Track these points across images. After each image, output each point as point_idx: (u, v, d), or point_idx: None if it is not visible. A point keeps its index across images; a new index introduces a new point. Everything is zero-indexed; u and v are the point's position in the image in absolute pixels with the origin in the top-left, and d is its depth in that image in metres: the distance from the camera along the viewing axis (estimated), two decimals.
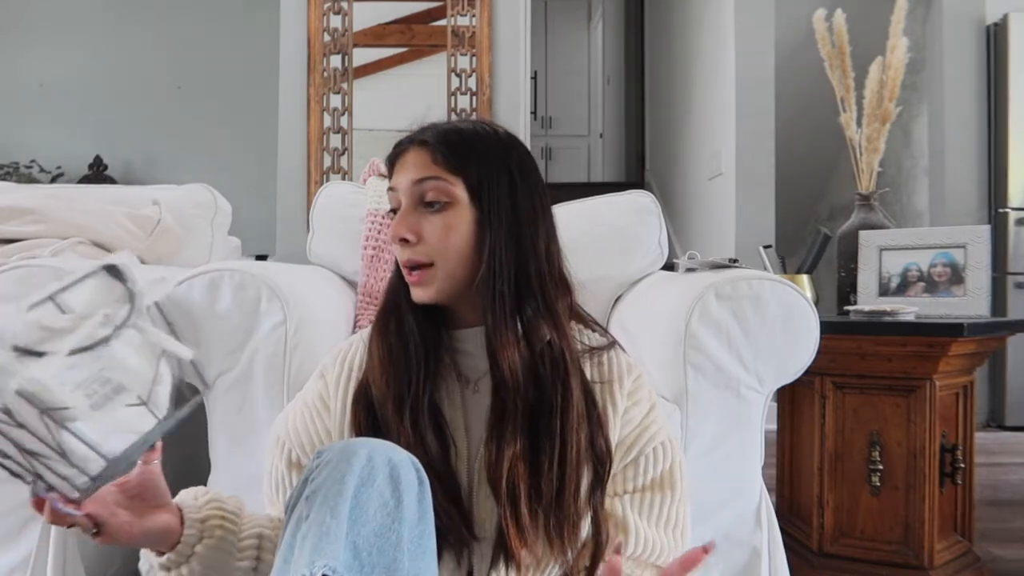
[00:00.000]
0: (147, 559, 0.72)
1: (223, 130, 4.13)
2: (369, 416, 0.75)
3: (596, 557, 0.73)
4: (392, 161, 0.79)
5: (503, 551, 0.70)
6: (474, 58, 2.86)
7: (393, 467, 0.61)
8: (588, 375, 0.79)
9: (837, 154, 3.59)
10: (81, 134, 4.13)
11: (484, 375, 0.78)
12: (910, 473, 1.38)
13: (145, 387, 0.58)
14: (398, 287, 0.80)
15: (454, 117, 2.85)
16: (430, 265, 0.74)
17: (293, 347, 1.06)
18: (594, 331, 0.84)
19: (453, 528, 0.70)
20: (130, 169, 4.18)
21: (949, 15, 3.14)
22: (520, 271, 0.75)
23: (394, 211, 0.77)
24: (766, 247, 1.89)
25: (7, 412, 0.52)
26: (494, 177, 0.75)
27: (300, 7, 2.86)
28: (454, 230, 0.73)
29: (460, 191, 0.74)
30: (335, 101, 2.86)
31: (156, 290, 0.61)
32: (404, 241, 0.74)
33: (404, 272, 0.76)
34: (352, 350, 0.83)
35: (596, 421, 0.75)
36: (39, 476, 0.56)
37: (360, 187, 1.59)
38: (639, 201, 1.48)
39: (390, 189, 0.77)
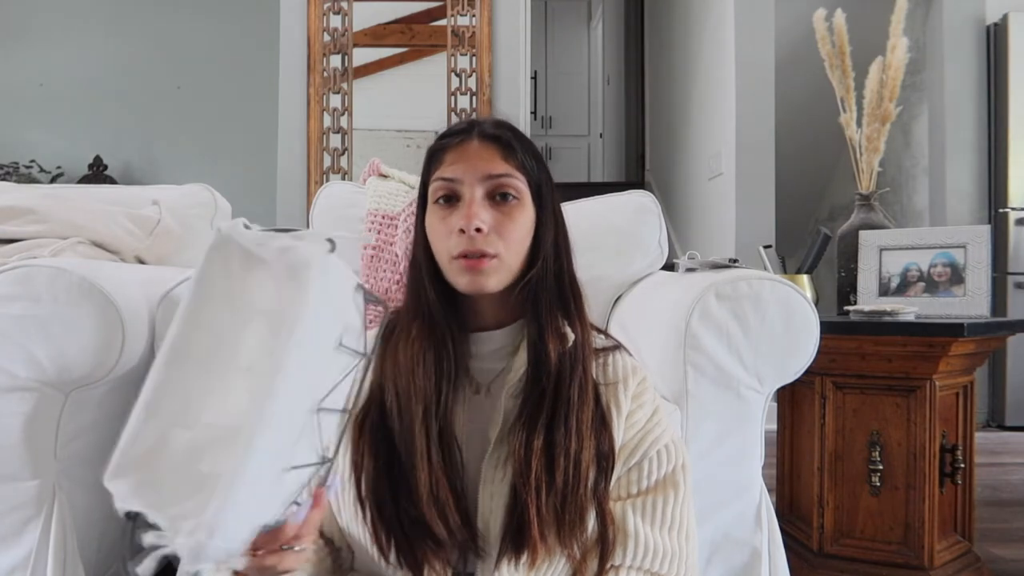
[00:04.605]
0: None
1: (223, 130, 4.13)
2: (381, 430, 0.75)
3: (604, 556, 0.73)
4: (440, 151, 0.77)
5: (514, 546, 0.70)
6: (474, 58, 2.87)
7: None
8: (593, 376, 0.79)
9: (837, 154, 3.60)
10: (81, 134, 4.12)
11: (496, 377, 0.78)
12: (910, 473, 1.38)
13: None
14: (419, 288, 0.78)
15: (454, 118, 2.85)
16: (495, 256, 0.74)
17: None
18: (599, 333, 0.85)
19: (462, 546, 0.70)
20: (130, 169, 4.18)
21: (949, 15, 3.15)
22: (560, 271, 0.78)
23: (446, 198, 0.75)
24: (766, 247, 1.89)
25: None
26: (547, 179, 0.78)
27: (300, 7, 2.86)
28: (522, 226, 0.75)
29: (526, 189, 0.76)
30: (335, 101, 2.86)
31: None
32: (477, 231, 0.73)
33: (460, 262, 0.73)
34: None
35: (602, 419, 0.76)
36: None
37: (360, 187, 1.59)
38: (639, 201, 1.48)
39: (443, 179, 0.75)
